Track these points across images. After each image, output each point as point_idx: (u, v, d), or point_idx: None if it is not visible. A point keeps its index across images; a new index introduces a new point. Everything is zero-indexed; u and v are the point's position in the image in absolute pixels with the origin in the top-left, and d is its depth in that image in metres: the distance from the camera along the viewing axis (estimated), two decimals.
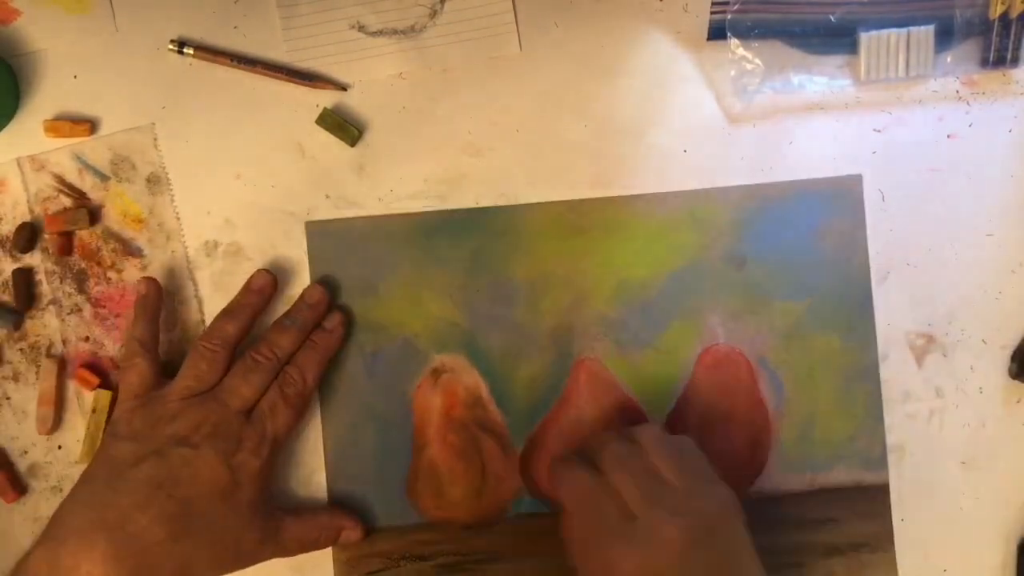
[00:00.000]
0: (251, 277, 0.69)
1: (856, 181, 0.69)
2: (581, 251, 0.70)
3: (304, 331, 0.68)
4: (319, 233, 0.70)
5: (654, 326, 0.69)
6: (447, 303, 0.70)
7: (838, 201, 0.69)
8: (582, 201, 0.70)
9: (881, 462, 0.69)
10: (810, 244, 0.69)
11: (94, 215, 0.70)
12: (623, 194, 0.69)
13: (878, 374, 0.69)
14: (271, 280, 0.69)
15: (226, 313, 0.67)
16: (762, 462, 0.69)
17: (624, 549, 0.56)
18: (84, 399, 0.70)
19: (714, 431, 0.69)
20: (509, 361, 0.69)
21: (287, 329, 0.67)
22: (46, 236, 0.70)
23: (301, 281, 0.70)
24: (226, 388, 0.65)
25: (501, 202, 0.70)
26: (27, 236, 0.69)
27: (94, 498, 0.61)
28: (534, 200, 0.70)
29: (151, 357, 0.66)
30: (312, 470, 0.70)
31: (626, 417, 0.69)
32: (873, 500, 0.69)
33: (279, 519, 0.65)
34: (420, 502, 0.69)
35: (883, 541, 0.69)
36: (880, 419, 0.69)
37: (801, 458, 0.69)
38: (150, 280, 0.68)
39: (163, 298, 0.69)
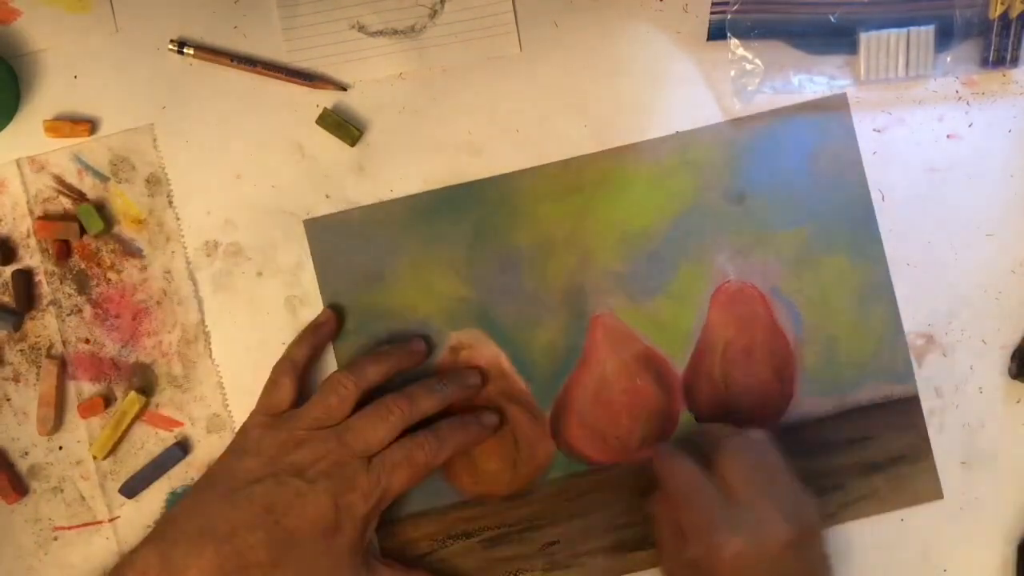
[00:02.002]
0: (412, 340, 0.69)
1: (842, 100, 0.69)
2: (580, 209, 0.70)
3: (446, 403, 0.67)
4: (318, 229, 0.70)
5: (663, 273, 0.70)
6: (455, 280, 0.70)
7: (827, 122, 0.69)
8: (573, 159, 0.70)
9: (907, 373, 0.69)
10: (805, 169, 0.69)
11: (106, 220, 0.70)
12: (611, 147, 0.70)
13: (892, 287, 0.69)
14: (426, 349, 0.69)
15: (374, 357, 0.67)
16: (790, 391, 0.70)
17: (729, 534, 0.58)
18: (84, 397, 0.70)
19: (738, 367, 0.70)
20: (525, 329, 0.70)
21: (434, 393, 0.67)
22: (39, 241, 0.70)
23: (304, 282, 0.70)
24: (352, 428, 0.65)
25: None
26: (2, 253, 0.70)
27: (209, 507, 0.64)
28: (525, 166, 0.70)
29: (299, 381, 0.67)
30: None
31: (650, 367, 0.70)
32: (905, 412, 0.69)
33: (373, 568, 0.66)
34: (457, 480, 0.70)
35: (920, 451, 0.69)
36: (900, 331, 0.69)
37: (828, 381, 0.69)
38: (332, 313, 0.69)
39: (335, 335, 0.70)
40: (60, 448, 0.70)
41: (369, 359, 0.67)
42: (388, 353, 0.68)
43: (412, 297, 0.70)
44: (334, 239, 0.70)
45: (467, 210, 0.70)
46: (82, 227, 0.69)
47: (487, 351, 0.70)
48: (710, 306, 0.70)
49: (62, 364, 0.70)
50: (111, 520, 0.70)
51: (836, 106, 0.69)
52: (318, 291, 0.70)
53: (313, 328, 0.69)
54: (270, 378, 0.68)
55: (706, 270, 0.70)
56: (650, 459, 0.69)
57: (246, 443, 0.66)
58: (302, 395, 0.67)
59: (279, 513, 0.63)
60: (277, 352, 0.69)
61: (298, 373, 0.67)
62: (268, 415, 0.66)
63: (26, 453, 0.70)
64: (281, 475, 0.63)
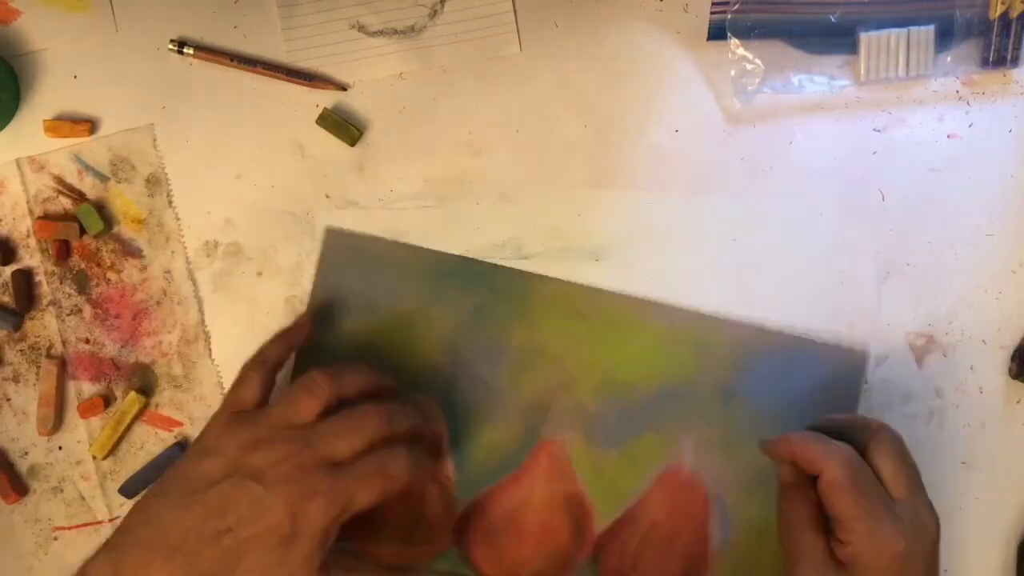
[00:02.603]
0: (387, 374, 0.66)
1: (861, 358, 0.69)
2: (580, 336, 0.69)
3: (415, 434, 0.64)
4: (338, 240, 0.70)
5: (628, 431, 0.68)
6: (437, 346, 0.69)
7: (840, 369, 0.68)
8: (597, 290, 0.69)
9: None
10: (801, 399, 0.68)
11: (106, 220, 0.70)
12: (635, 293, 0.69)
13: None
14: (395, 387, 0.67)
15: (355, 368, 0.64)
16: None
17: (896, 526, 0.58)
18: (84, 397, 0.70)
19: (652, 551, 0.68)
20: (478, 421, 0.69)
21: (410, 419, 0.63)
22: (39, 241, 0.70)
23: (303, 282, 0.70)
24: (320, 433, 0.60)
25: (501, 203, 0.70)
26: (2, 253, 0.70)
27: (161, 512, 0.59)
28: (542, 264, 0.69)
29: (268, 380, 0.64)
30: None
31: (573, 511, 0.69)
32: None
33: None
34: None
35: None
36: None
37: None
38: (309, 319, 0.69)
39: (309, 340, 0.68)
40: (60, 448, 0.70)
41: (353, 369, 0.64)
42: (367, 371, 0.65)
43: (393, 342, 0.69)
44: (347, 257, 0.70)
45: (477, 289, 0.69)
46: (82, 227, 0.69)
47: (434, 424, 0.68)
48: (655, 482, 0.68)
49: (62, 364, 0.70)
50: (111, 520, 0.70)
51: (855, 360, 0.69)
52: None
53: (289, 330, 0.68)
54: (238, 375, 0.64)
55: (668, 447, 0.68)
56: None
57: (206, 442, 0.61)
58: (269, 398, 0.64)
59: (232, 520, 0.58)
60: None
61: (267, 371, 0.64)
62: (232, 412, 0.63)
63: (26, 453, 0.70)
64: (238, 477, 0.59)
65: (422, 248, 0.70)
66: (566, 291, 0.69)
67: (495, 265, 0.69)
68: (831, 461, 0.59)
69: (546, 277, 0.69)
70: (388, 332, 0.69)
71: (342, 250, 0.70)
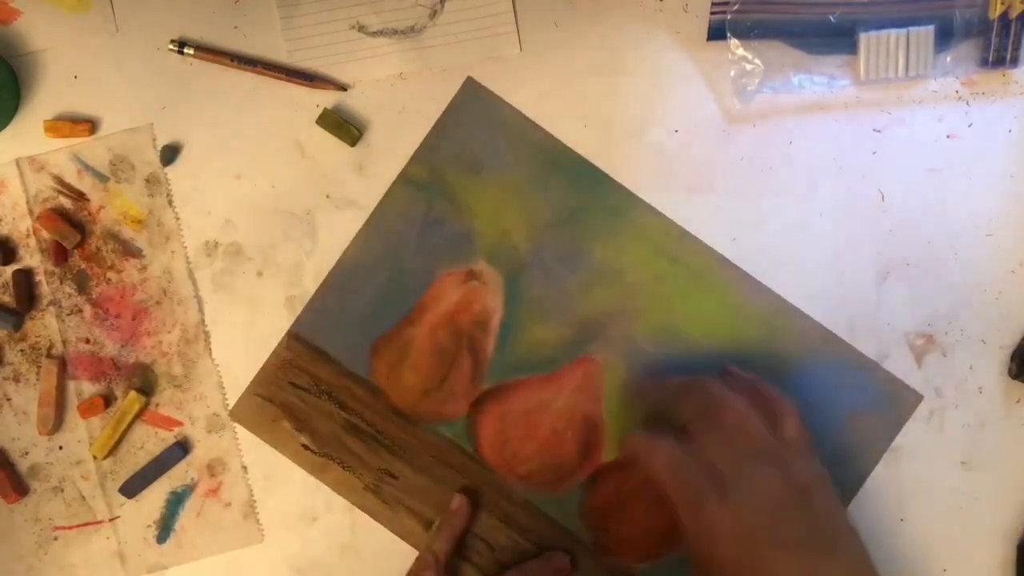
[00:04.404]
0: (555, 556, 0.69)
1: (915, 401, 0.69)
2: (661, 275, 0.69)
3: None
4: (473, 92, 0.70)
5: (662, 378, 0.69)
6: (524, 230, 0.69)
7: (891, 402, 0.69)
8: (693, 237, 0.69)
9: None
10: (841, 416, 0.69)
11: (98, 222, 0.70)
12: (726, 255, 0.69)
13: None
14: (569, 565, 0.69)
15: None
16: (661, 553, 0.69)
17: (718, 507, 0.57)
18: (84, 396, 0.70)
19: (644, 500, 0.69)
20: (535, 313, 0.69)
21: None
22: (39, 241, 0.70)
23: (304, 282, 0.70)
24: None
25: None
26: (2, 253, 0.70)
27: None
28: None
29: (440, 574, 0.67)
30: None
31: (587, 432, 0.69)
32: None
33: None
34: (376, 363, 0.70)
35: None
36: None
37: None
38: (465, 497, 0.69)
39: (471, 521, 0.69)
40: (60, 448, 0.70)
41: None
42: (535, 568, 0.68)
43: (483, 208, 0.70)
44: (477, 110, 0.70)
45: (585, 193, 0.70)
46: (82, 231, 0.69)
47: (492, 300, 0.70)
48: None
49: (62, 364, 0.70)
50: (111, 520, 0.70)
51: (906, 400, 0.69)
52: (418, 145, 0.70)
53: (450, 516, 0.69)
54: (411, 570, 0.67)
55: None
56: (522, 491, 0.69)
57: None
58: None
59: None
60: None
61: (440, 567, 0.67)
62: None
63: (26, 453, 0.70)
64: None
65: (549, 133, 0.70)
66: (664, 227, 0.69)
67: (609, 176, 0.69)
68: (653, 465, 0.59)
69: (651, 207, 0.69)
70: (481, 195, 0.70)
71: (474, 102, 0.70)
